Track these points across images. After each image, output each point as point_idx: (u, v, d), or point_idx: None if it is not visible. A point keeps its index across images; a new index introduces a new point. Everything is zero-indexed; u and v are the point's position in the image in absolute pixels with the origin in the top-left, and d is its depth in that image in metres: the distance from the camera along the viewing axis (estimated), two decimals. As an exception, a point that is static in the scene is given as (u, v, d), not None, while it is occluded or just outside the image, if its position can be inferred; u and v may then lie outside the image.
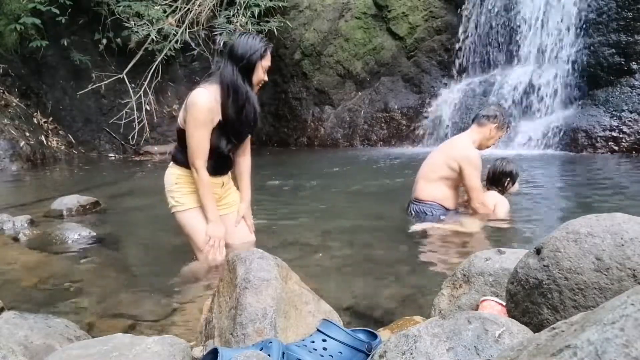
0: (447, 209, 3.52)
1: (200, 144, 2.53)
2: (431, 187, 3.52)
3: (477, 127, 3.48)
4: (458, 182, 3.47)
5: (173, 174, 2.70)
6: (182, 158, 2.65)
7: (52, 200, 4.38)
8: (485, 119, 3.45)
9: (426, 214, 3.51)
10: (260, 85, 2.67)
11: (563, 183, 5.30)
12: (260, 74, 2.61)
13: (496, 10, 8.41)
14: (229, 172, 2.84)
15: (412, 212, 3.59)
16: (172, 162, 2.75)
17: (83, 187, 5.41)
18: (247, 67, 2.56)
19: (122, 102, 9.49)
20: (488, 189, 3.63)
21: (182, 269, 2.69)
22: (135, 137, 9.40)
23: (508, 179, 3.63)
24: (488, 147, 3.54)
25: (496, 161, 3.68)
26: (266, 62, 2.60)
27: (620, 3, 7.17)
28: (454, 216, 3.50)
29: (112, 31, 9.42)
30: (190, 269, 2.68)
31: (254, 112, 2.66)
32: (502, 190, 3.63)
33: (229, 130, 2.62)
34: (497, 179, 3.63)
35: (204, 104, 2.51)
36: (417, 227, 3.34)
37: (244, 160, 2.86)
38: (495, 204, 3.51)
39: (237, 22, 9.15)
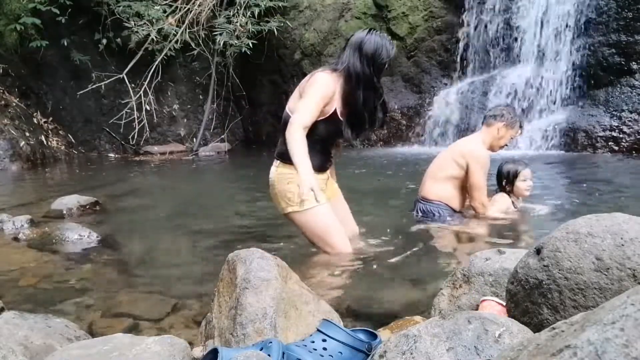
0: (453, 210, 3.50)
1: (311, 112, 2.51)
2: (438, 186, 3.50)
3: (486, 128, 3.47)
4: (465, 182, 3.44)
5: (282, 174, 2.64)
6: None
7: (52, 200, 4.37)
8: (492, 119, 3.44)
9: (433, 215, 3.48)
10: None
11: (563, 183, 5.30)
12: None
13: (496, 9, 8.41)
14: (329, 169, 2.92)
15: (419, 211, 3.56)
16: (279, 162, 2.68)
17: (83, 187, 5.41)
18: (377, 65, 2.60)
19: (122, 102, 9.49)
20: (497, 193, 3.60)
21: (314, 259, 2.71)
22: (135, 137, 9.40)
23: (515, 178, 3.55)
24: (501, 147, 3.50)
25: (503, 164, 3.60)
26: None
27: (620, 3, 7.17)
28: (459, 218, 3.49)
29: (112, 31, 9.42)
30: (323, 259, 2.68)
31: (384, 109, 2.72)
32: (511, 191, 3.57)
33: (350, 121, 2.66)
34: (511, 180, 3.55)
35: (329, 84, 2.56)
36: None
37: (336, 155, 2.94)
38: (499, 207, 3.50)
39: (237, 22, 9.15)
